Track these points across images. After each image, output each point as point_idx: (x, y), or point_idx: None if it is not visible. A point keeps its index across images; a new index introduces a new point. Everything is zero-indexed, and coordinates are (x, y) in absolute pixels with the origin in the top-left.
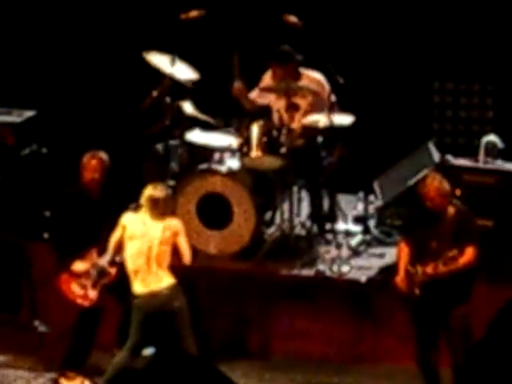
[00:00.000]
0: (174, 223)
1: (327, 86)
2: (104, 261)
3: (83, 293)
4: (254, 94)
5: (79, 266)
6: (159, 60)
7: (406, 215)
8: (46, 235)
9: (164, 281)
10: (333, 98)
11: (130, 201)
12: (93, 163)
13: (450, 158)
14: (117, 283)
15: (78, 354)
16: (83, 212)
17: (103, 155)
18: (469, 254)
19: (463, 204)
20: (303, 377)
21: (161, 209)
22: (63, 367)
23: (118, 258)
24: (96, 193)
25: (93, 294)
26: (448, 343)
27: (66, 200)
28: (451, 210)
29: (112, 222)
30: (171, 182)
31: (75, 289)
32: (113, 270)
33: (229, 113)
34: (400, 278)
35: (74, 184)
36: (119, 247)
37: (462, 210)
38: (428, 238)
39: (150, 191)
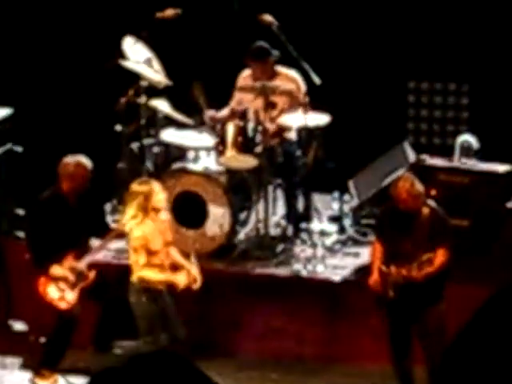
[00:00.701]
0: (137, 233)
1: (303, 85)
2: (83, 264)
3: (61, 295)
4: (233, 102)
5: (57, 270)
6: (134, 58)
7: (380, 215)
8: (20, 234)
9: (133, 275)
10: (306, 98)
11: (105, 202)
12: (80, 172)
13: (424, 157)
14: (96, 286)
15: (53, 354)
16: (61, 218)
17: (87, 163)
18: (441, 255)
19: (438, 204)
20: (277, 376)
21: (137, 203)
22: (39, 366)
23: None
24: (74, 198)
25: (71, 296)
26: (422, 344)
27: (44, 206)
28: (425, 210)
29: (90, 227)
30: None
31: (53, 291)
32: (91, 274)
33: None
34: (374, 279)
35: (51, 189)
36: None
37: (437, 210)
38: (402, 239)
39: (133, 185)
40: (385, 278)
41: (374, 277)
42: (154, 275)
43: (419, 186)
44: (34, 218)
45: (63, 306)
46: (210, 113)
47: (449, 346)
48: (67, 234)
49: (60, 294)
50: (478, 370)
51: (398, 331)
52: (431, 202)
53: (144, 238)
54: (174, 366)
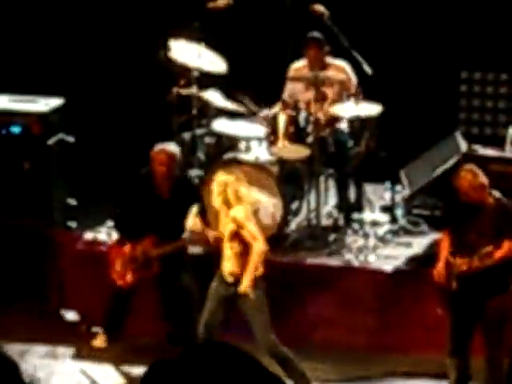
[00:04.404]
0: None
1: (353, 76)
2: (154, 253)
3: (122, 272)
4: (285, 94)
5: (128, 248)
6: (185, 50)
7: (446, 206)
8: (72, 224)
9: None
10: (358, 88)
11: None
12: (159, 158)
13: (476, 147)
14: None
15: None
16: (145, 200)
17: (172, 149)
18: (506, 247)
19: (503, 196)
20: (328, 366)
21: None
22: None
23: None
24: (164, 187)
25: (129, 277)
26: (483, 335)
27: (136, 181)
28: (490, 201)
29: (181, 220)
30: (198, 172)
31: (117, 264)
32: (156, 266)
33: (257, 101)
34: (438, 270)
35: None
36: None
37: (502, 201)
38: (468, 230)
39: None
40: (449, 270)
41: (439, 268)
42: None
43: (482, 178)
44: (128, 188)
45: (119, 282)
46: (264, 113)
47: None
48: (152, 218)
49: (122, 270)
50: None
51: (460, 323)
52: (496, 193)
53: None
54: (232, 357)
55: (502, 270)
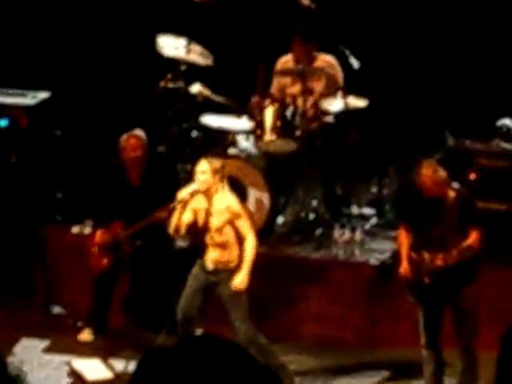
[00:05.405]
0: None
1: (340, 69)
2: (123, 234)
3: (98, 257)
4: (272, 88)
5: (98, 235)
6: (173, 44)
7: (405, 202)
8: (58, 217)
9: None
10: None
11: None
12: (132, 142)
13: (464, 141)
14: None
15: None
16: (116, 190)
17: (140, 134)
18: (474, 237)
19: (463, 187)
20: (317, 360)
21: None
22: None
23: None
24: (134, 175)
25: (104, 261)
26: (457, 325)
27: (103, 174)
28: (451, 194)
29: (151, 206)
30: (185, 166)
31: (94, 251)
32: (127, 247)
33: (244, 95)
34: (404, 267)
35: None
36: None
37: (462, 192)
38: (432, 225)
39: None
40: (417, 266)
41: (405, 265)
42: None
43: (442, 172)
44: (98, 180)
45: (96, 267)
46: (255, 98)
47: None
48: (125, 207)
49: (97, 256)
50: None
51: (433, 315)
52: (455, 185)
53: None
54: (226, 349)
55: (470, 260)
